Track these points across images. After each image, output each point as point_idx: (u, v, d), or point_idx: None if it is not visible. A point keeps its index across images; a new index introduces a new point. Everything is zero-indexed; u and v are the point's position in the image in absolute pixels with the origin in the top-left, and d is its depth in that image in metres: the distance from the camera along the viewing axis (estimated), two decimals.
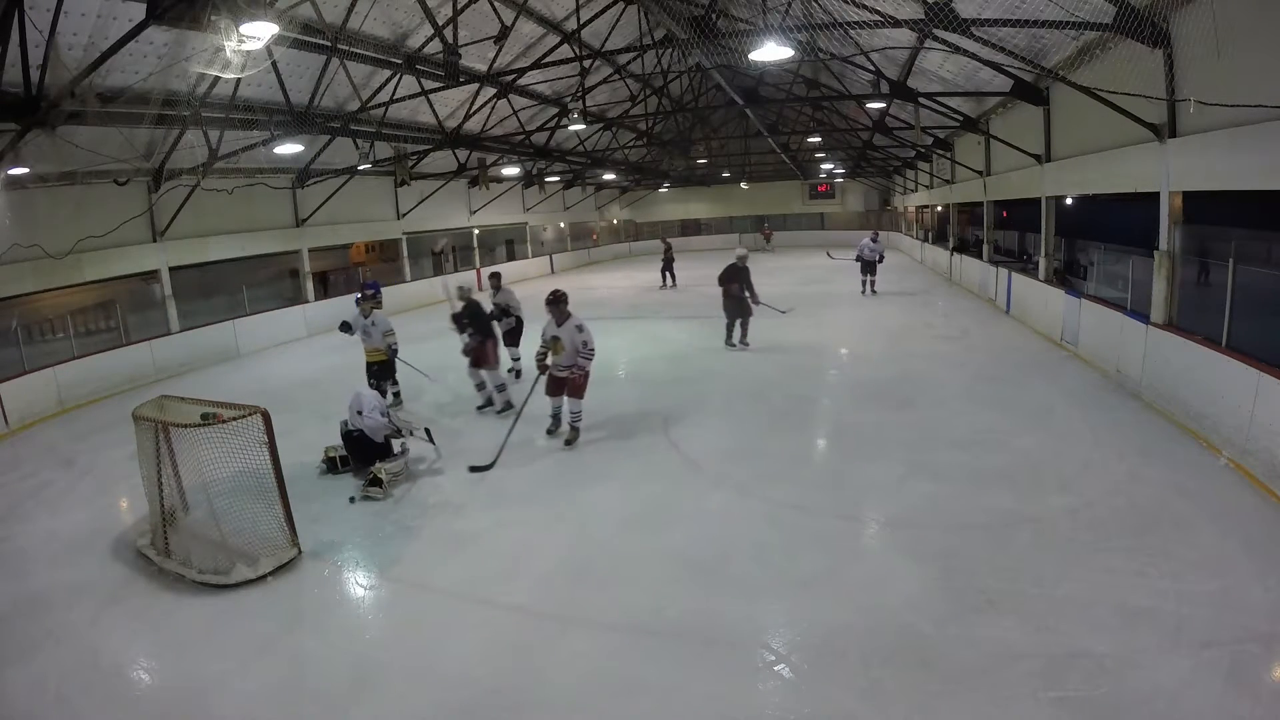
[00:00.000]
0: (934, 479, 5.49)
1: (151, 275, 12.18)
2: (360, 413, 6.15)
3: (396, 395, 8.45)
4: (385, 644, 3.89)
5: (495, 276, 9.84)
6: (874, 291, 15.54)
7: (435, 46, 9.66)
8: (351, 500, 5.76)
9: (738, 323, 10.67)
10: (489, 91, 13.24)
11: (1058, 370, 8.57)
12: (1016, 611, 3.73)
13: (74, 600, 4.47)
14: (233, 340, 13.05)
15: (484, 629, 3.93)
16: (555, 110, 15.68)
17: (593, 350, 6.64)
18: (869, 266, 15.55)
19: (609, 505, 5.45)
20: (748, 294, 10.59)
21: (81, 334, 11.19)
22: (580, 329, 6.59)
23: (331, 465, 6.34)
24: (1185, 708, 3.00)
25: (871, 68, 10.50)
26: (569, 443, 6.77)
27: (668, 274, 19.75)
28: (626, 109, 16.66)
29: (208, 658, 3.80)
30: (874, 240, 15.72)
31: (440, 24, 7.99)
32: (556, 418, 7.04)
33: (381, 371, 8.13)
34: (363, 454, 6.14)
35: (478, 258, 22.73)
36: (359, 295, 8.56)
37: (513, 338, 9.55)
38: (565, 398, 6.84)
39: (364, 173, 14.69)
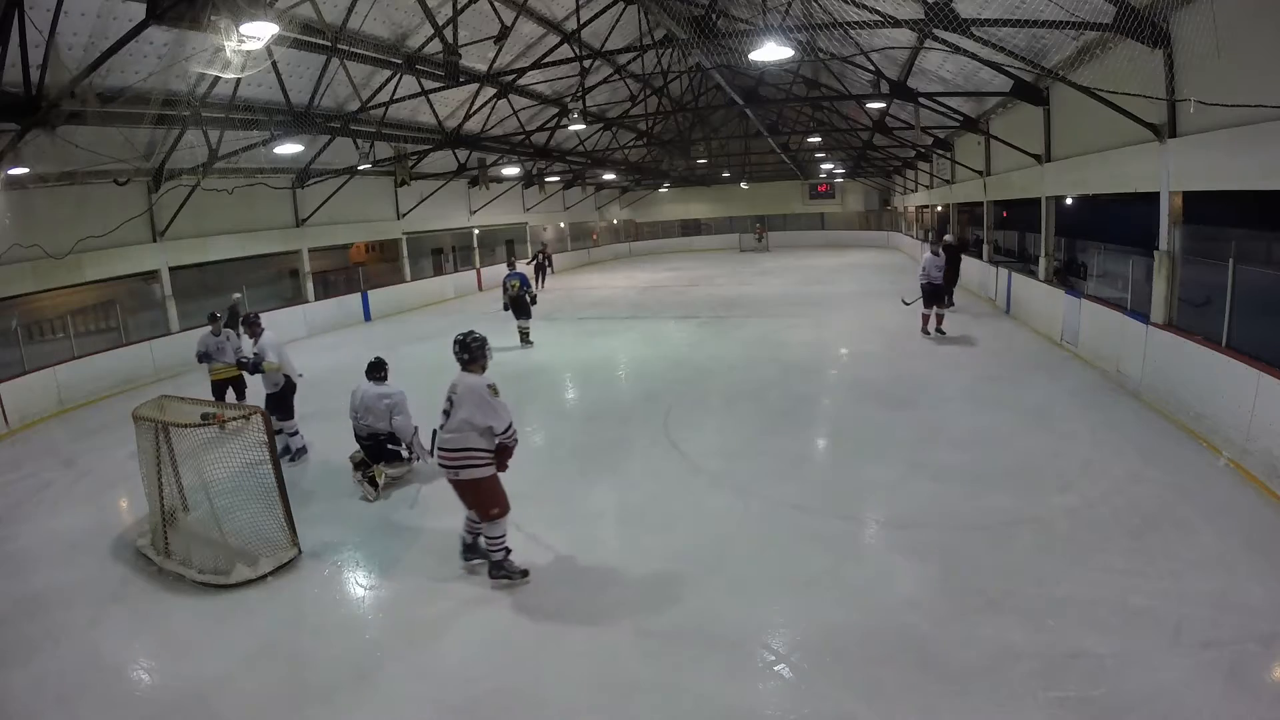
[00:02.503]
0: (934, 479, 5.49)
1: (151, 275, 12.19)
2: (391, 414, 5.90)
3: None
4: (385, 644, 3.89)
5: (249, 321, 6.92)
6: (940, 331, 10.63)
7: (435, 46, 9.67)
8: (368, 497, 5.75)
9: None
10: (489, 91, 13.24)
11: (1058, 370, 8.57)
12: (1016, 611, 3.73)
13: (74, 600, 4.47)
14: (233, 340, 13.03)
15: (484, 629, 3.93)
16: (555, 110, 15.69)
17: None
18: (936, 294, 10.53)
19: (609, 505, 5.45)
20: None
21: (81, 334, 11.19)
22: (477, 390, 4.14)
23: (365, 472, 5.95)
24: (1185, 708, 3.00)
25: (871, 68, 10.50)
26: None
27: (540, 280, 19.94)
28: (626, 109, 16.67)
29: (208, 658, 3.80)
30: (938, 251, 10.64)
31: (440, 24, 8.00)
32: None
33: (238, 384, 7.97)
34: (376, 452, 5.99)
35: (478, 258, 22.74)
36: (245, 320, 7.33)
37: (278, 405, 6.75)
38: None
39: (364, 173, 14.71)
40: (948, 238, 12.80)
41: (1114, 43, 6.92)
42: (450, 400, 4.20)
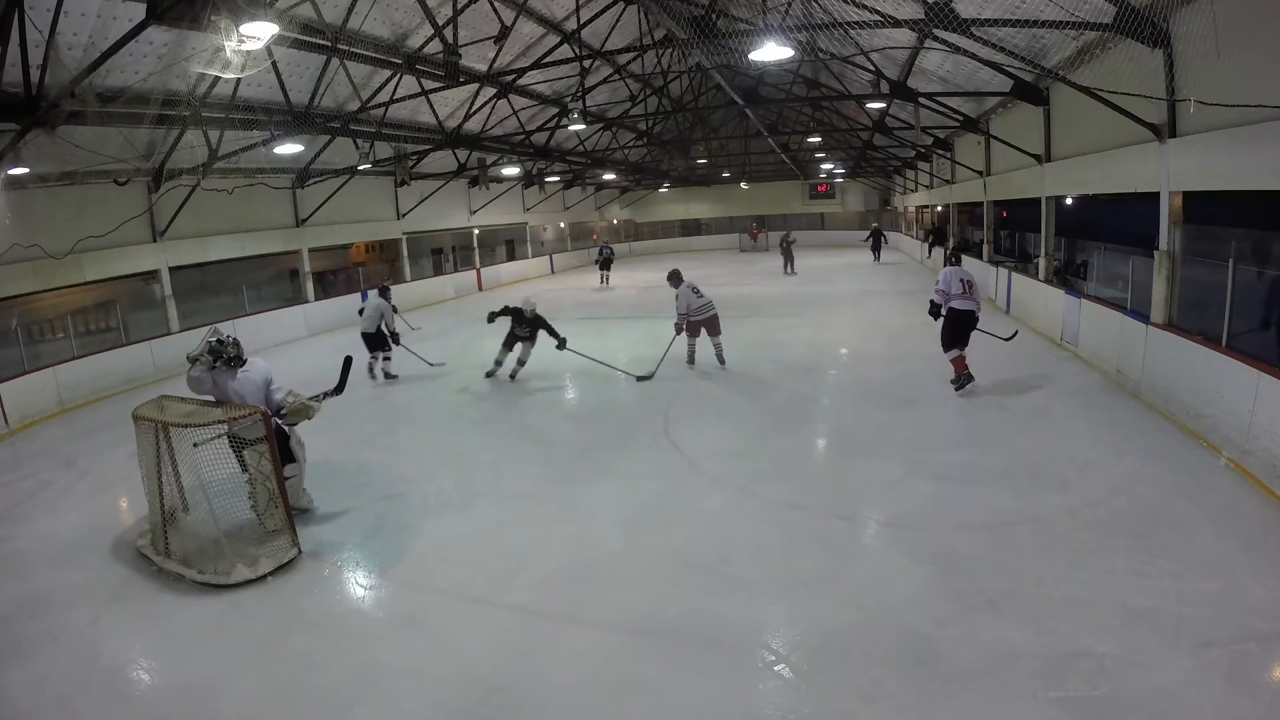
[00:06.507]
0: (934, 479, 5.49)
1: (151, 275, 12.19)
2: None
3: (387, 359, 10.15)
4: (385, 644, 3.89)
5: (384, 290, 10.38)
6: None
7: (435, 46, 9.66)
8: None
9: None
10: (489, 91, 13.24)
11: (1058, 370, 8.57)
12: (1016, 611, 3.72)
13: (74, 600, 4.47)
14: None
15: (484, 629, 3.93)
16: (555, 110, 15.69)
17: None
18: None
19: (609, 505, 5.45)
20: None
21: (81, 334, 11.19)
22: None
23: None
24: (1185, 708, 2.99)
25: (871, 68, 10.50)
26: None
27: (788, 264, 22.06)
28: (626, 109, 16.67)
29: (208, 658, 3.80)
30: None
31: (440, 24, 8.00)
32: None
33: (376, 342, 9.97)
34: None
35: (478, 258, 22.73)
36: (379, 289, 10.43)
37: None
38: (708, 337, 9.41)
39: (364, 173, 14.70)
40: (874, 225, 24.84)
41: (1114, 43, 6.92)
42: (698, 292, 9.23)
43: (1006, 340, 8.72)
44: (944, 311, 7.62)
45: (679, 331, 9.30)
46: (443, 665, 3.63)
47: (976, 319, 7.56)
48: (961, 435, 6.47)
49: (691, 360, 9.63)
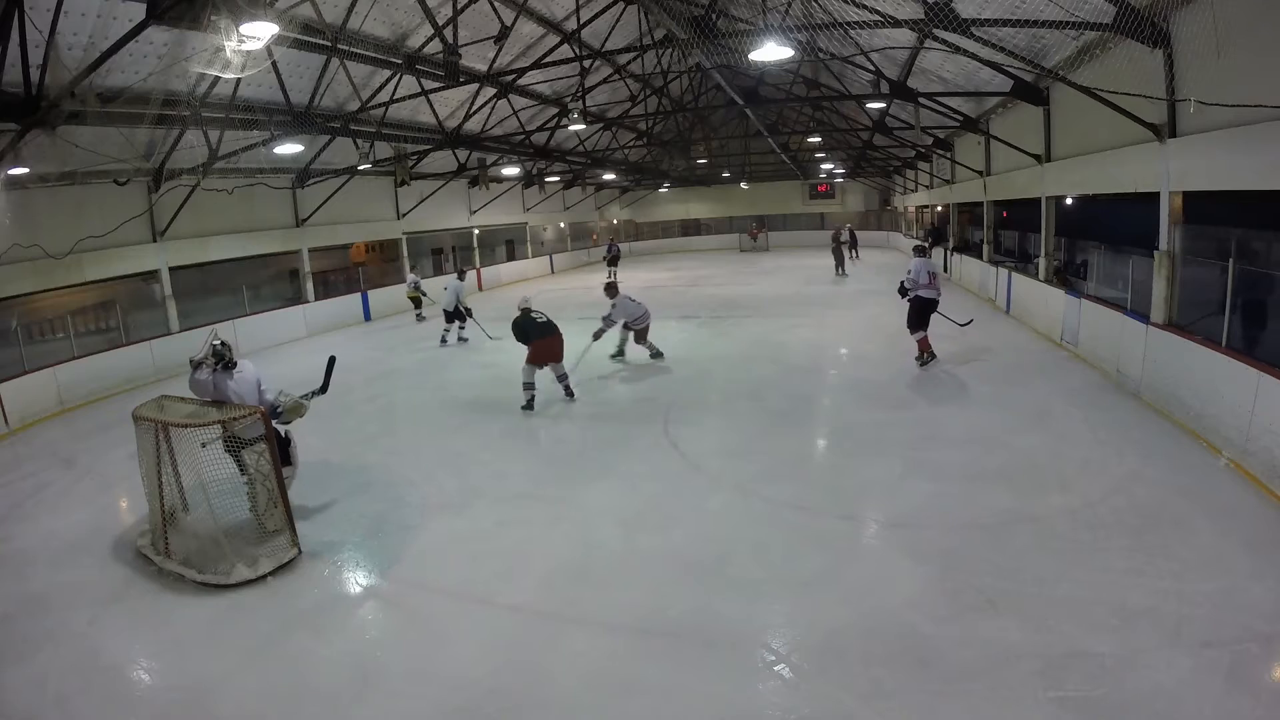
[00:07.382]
0: (934, 479, 5.49)
1: (151, 275, 12.19)
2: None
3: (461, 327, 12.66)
4: (385, 644, 3.89)
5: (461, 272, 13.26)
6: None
7: (435, 46, 9.66)
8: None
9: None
10: (489, 91, 13.24)
11: (1058, 370, 8.57)
12: (1016, 611, 3.72)
13: (74, 600, 4.48)
14: (233, 340, 12.97)
15: (484, 629, 3.94)
16: (555, 110, 15.68)
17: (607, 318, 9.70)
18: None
19: (609, 505, 5.45)
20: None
21: (81, 334, 11.19)
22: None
23: None
24: (1185, 708, 3.00)
25: (871, 68, 10.50)
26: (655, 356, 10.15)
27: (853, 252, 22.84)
28: (626, 109, 16.67)
29: (208, 658, 3.80)
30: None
31: (440, 24, 8.00)
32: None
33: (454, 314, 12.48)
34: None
35: (478, 258, 22.74)
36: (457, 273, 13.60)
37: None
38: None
39: (364, 173, 14.70)
40: (849, 226, 25.76)
41: (1114, 43, 6.92)
42: (636, 302, 9.75)
43: (962, 326, 9.72)
44: (910, 297, 8.83)
45: (607, 326, 9.76)
46: (443, 665, 3.63)
47: (937, 304, 8.88)
48: (961, 435, 6.47)
49: (620, 352, 10.31)
